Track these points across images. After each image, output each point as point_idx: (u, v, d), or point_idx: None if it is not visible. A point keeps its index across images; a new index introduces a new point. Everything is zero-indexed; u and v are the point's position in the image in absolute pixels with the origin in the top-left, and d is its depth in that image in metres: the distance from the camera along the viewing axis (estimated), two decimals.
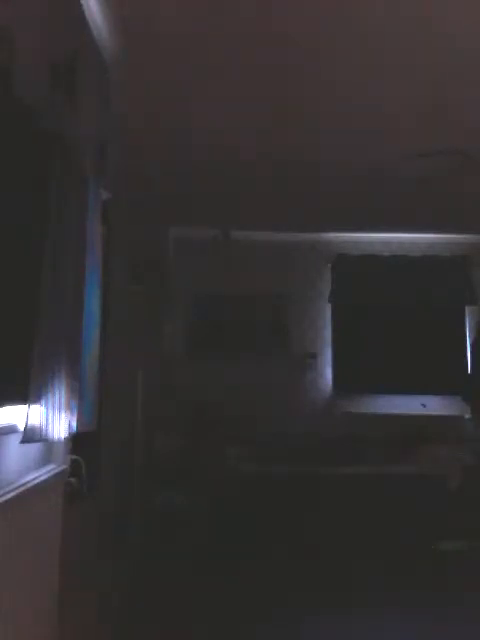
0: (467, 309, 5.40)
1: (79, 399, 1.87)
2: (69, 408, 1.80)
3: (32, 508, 1.69)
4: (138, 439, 3.97)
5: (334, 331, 5.37)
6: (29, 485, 1.67)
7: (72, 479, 2.21)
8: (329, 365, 5.33)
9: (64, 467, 2.09)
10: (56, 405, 1.72)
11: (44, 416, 1.67)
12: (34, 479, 1.75)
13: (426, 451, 4.60)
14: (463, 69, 2.48)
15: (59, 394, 1.73)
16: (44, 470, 1.92)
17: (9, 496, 1.51)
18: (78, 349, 1.87)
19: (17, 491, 1.57)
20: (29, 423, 1.62)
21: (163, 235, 5.19)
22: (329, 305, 5.39)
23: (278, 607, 3.18)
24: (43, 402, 1.67)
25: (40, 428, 1.66)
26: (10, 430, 1.71)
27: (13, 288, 1.72)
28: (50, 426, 1.69)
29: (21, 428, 1.68)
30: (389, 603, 3.25)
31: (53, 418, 1.70)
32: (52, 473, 1.90)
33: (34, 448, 1.94)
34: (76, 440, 2.30)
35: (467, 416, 5.02)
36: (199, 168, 3.77)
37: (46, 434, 1.68)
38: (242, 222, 5.10)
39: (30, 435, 1.62)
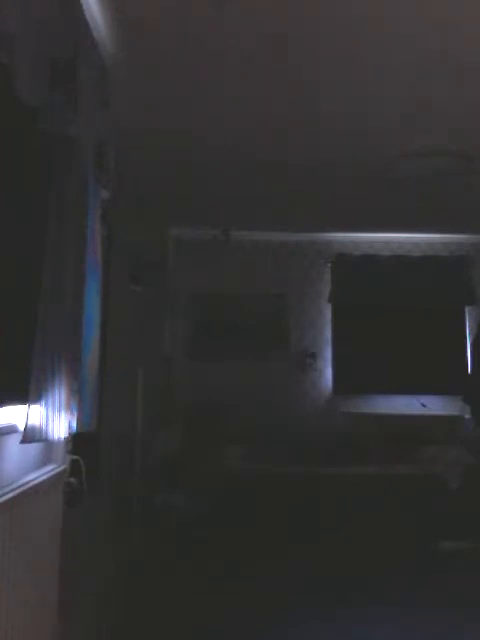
0: (467, 309, 5.40)
1: (79, 399, 1.87)
2: (69, 408, 1.80)
3: (32, 508, 1.69)
4: (138, 439, 3.97)
5: (334, 331, 5.38)
6: (29, 485, 1.67)
7: (72, 479, 2.21)
8: (329, 365, 5.33)
9: (64, 467, 2.09)
10: (56, 405, 1.72)
11: (44, 416, 1.67)
12: (34, 479, 1.75)
13: (426, 451, 4.60)
14: (463, 69, 2.48)
15: (59, 394, 1.73)
16: (44, 470, 1.92)
17: (9, 496, 1.51)
18: (78, 349, 1.87)
19: (17, 491, 1.57)
20: (29, 423, 1.62)
21: (163, 235, 5.19)
22: (329, 305, 5.39)
23: (278, 607, 3.18)
24: (43, 402, 1.67)
25: (40, 428, 1.66)
26: (10, 430, 1.71)
27: (13, 288, 1.72)
28: (50, 426, 1.69)
29: (21, 428, 1.68)
30: (389, 603, 3.25)
31: (53, 418, 1.71)
32: (52, 473, 1.91)
33: (34, 448, 1.94)
34: (76, 440, 2.30)
35: (467, 416, 5.01)
36: (199, 168, 3.77)
37: (46, 434, 1.68)
38: (242, 222, 5.09)
39: (30, 435, 1.62)
